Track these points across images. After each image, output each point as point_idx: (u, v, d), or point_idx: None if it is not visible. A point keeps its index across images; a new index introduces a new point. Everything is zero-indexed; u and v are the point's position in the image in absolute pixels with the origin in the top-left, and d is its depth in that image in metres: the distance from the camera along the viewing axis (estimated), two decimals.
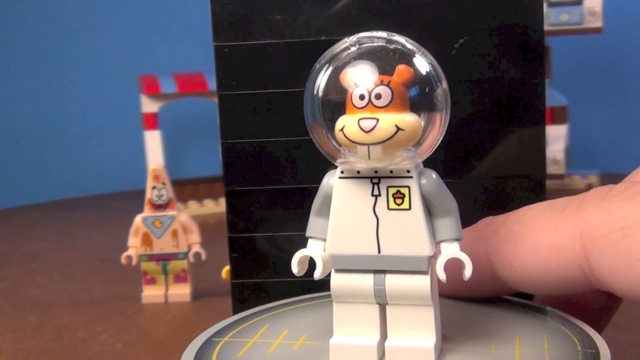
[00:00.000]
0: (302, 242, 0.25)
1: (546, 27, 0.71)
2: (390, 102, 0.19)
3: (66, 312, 0.42)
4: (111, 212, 0.81)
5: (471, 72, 0.29)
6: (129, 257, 0.43)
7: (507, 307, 0.25)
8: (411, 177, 0.20)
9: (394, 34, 0.21)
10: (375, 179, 0.20)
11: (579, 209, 0.21)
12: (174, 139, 0.99)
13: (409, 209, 0.20)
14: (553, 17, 0.72)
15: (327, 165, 0.21)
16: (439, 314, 0.21)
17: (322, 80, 0.20)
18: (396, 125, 0.19)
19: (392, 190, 0.20)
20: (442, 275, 0.20)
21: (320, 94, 0.20)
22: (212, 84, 0.76)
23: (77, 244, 0.65)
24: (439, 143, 0.21)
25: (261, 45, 0.29)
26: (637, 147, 0.94)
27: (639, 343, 0.32)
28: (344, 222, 0.21)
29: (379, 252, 0.20)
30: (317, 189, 0.22)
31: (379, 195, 0.20)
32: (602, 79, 0.94)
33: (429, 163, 0.30)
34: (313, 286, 0.28)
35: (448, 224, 0.20)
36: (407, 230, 0.20)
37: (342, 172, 0.21)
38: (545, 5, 0.71)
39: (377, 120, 0.19)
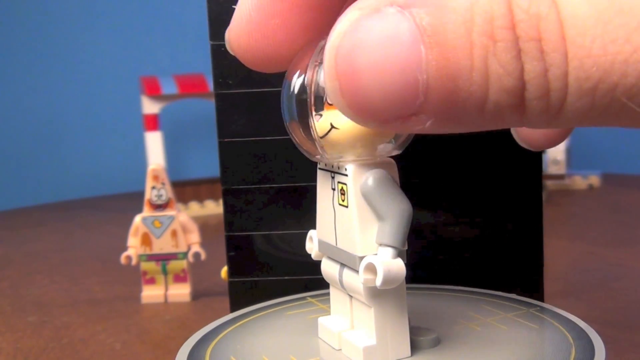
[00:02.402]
0: (299, 240, 0.25)
1: None
2: None
3: (66, 312, 0.42)
4: (111, 213, 0.81)
5: None
6: (129, 257, 0.43)
7: (501, 304, 0.25)
8: (346, 175, 0.20)
9: None
10: (332, 173, 0.21)
11: None
12: (175, 140, 0.99)
13: (347, 206, 0.20)
14: None
15: None
16: (400, 318, 0.20)
17: (298, 78, 0.21)
18: (330, 123, 0.19)
19: (339, 186, 0.20)
20: (361, 278, 0.19)
21: (296, 91, 0.21)
22: (212, 85, 0.75)
23: (77, 245, 0.65)
24: (408, 141, 0.21)
25: None
26: (638, 147, 0.94)
27: (638, 342, 0.32)
28: (320, 210, 0.22)
29: (336, 244, 0.21)
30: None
31: (334, 189, 0.21)
32: None
33: (426, 162, 0.30)
34: (309, 285, 0.28)
35: (382, 228, 0.19)
36: (347, 227, 0.20)
37: (319, 163, 0.21)
38: None
39: (320, 117, 0.20)
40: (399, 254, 0.19)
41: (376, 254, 0.19)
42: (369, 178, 0.20)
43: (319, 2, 0.20)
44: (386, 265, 0.19)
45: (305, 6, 0.19)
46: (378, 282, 0.19)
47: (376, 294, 0.20)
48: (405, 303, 0.20)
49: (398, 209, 0.19)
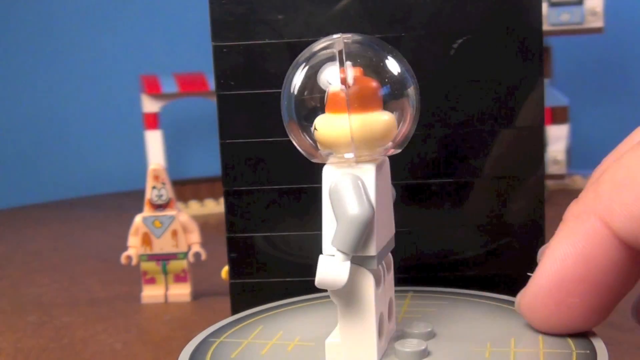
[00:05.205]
0: (300, 242, 0.25)
1: (547, 27, 0.71)
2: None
3: (66, 312, 0.42)
4: (112, 212, 0.81)
5: (469, 72, 0.29)
6: (129, 257, 0.43)
7: (502, 307, 0.25)
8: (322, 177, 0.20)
9: (361, 35, 0.21)
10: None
11: None
12: (175, 138, 0.99)
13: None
14: (554, 17, 0.71)
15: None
16: (364, 317, 0.20)
17: (298, 79, 0.21)
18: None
19: None
20: (317, 275, 0.20)
21: (296, 92, 0.21)
22: (213, 84, 0.75)
23: (77, 244, 0.65)
24: (407, 141, 0.21)
25: (260, 45, 0.29)
26: None
27: (639, 344, 0.32)
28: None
29: None
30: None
31: None
32: (604, 79, 0.94)
33: (428, 163, 0.30)
34: (311, 286, 0.28)
35: (335, 230, 0.20)
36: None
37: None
38: (546, 5, 0.71)
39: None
40: (349, 259, 0.19)
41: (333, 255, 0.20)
42: (334, 180, 0.20)
43: (618, 285, 0.20)
44: (325, 267, 0.19)
45: (605, 289, 0.20)
46: (315, 280, 0.19)
47: (340, 292, 0.20)
48: (372, 303, 0.20)
49: (347, 214, 0.19)
